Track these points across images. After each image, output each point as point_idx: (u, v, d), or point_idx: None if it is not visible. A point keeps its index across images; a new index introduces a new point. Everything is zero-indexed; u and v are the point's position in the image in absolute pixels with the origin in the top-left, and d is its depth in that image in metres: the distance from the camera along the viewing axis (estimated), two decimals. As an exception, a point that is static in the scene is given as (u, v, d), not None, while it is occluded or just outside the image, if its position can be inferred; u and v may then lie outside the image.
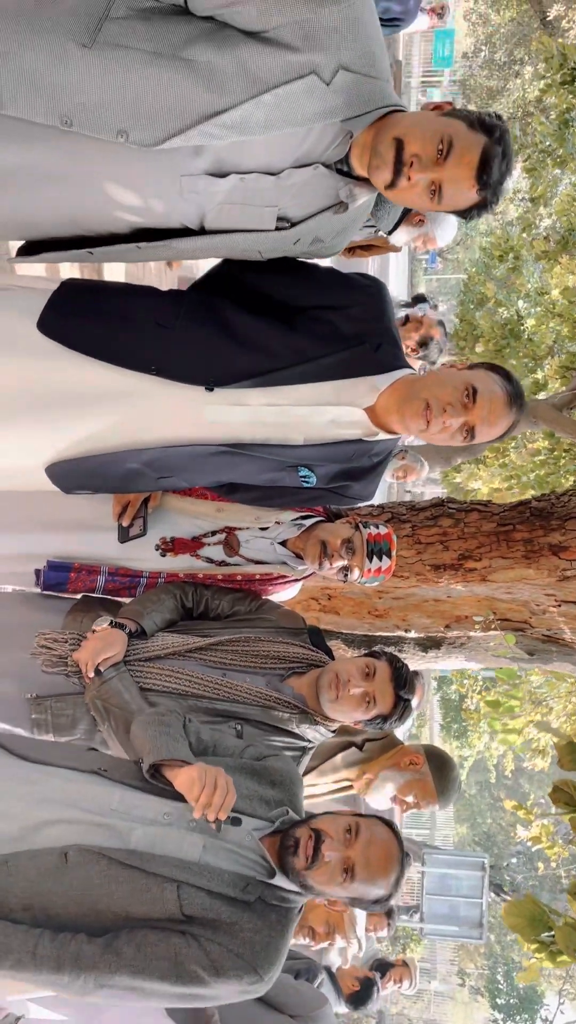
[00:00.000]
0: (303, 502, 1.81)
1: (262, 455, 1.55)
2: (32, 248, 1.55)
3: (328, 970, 3.16)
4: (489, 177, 1.33)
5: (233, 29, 1.28)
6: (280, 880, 1.44)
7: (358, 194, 1.44)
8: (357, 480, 1.66)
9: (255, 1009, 2.01)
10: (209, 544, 1.98)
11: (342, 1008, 3.26)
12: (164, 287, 1.87)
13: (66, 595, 2.01)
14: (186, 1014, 1.82)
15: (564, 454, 6.11)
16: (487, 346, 7.69)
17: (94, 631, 1.77)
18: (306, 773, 2.07)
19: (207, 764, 1.44)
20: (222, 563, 1.99)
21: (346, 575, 1.96)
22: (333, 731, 1.93)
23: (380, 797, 2.38)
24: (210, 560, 1.99)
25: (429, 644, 2.88)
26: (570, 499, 2.50)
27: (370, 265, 8.23)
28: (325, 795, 2.46)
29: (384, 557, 1.95)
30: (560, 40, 11.73)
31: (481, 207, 1.37)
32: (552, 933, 2.09)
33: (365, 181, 1.43)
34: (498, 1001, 19.70)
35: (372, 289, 1.58)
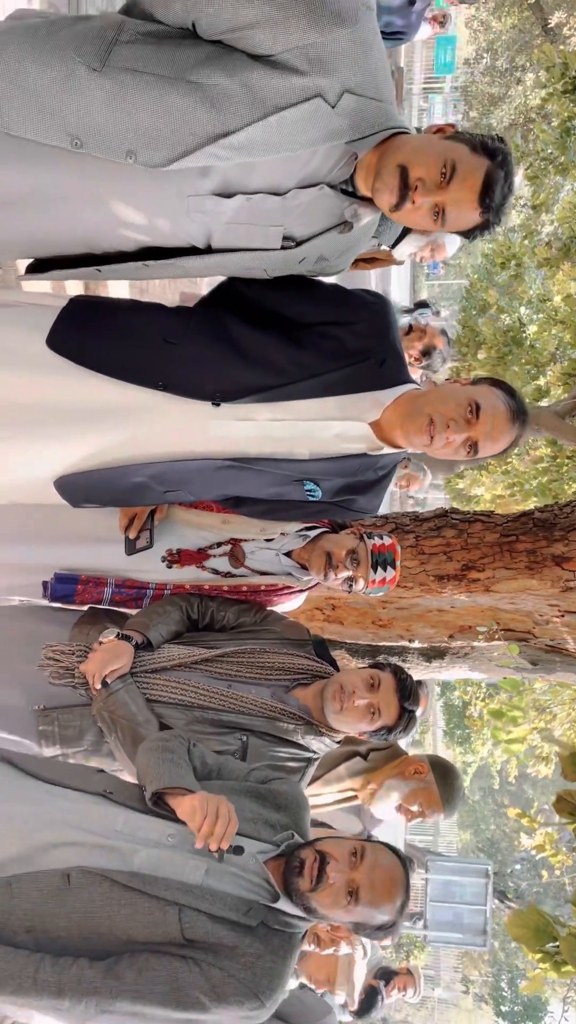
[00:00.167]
0: (308, 516, 1.83)
1: (268, 469, 1.57)
2: (40, 266, 1.57)
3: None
4: (492, 200, 1.35)
5: (240, 53, 1.30)
6: (284, 904, 1.43)
7: (363, 214, 1.46)
8: (362, 494, 1.67)
9: None
10: (215, 556, 1.99)
11: (346, 1017, 3.26)
12: (168, 300, 1.89)
13: (73, 607, 2.03)
14: None
15: (567, 461, 6.12)
16: (489, 353, 7.71)
17: (101, 643, 1.78)
18: (310, 783, 2.08)
19: (211, 790, 1.44)
20: (228, 574, 2.00)
21: (351, 586, 1.97)
22: (338, 742, 1.94)
23: (385, 806, 2.38)
24: (216, 571, 2.00)
25: (433, 654, 2.89)
26: (573, 510, 2.51)
27: (372, 272, 8.26)
28: (329, 805, 2.47)
29: (388, 568, 1.97)
30: (562, 48, 11.78)
31: (483, 228, 1.40)
32: (556, 944, 2.09)
33: (369, 201, 1.44)
34: (502, 1008, 19.61)
35: (377, 306, 1.60)
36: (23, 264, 1.64)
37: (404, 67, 16.23)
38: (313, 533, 2.01)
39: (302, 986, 2.63)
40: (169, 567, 1.99)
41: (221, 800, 1.38)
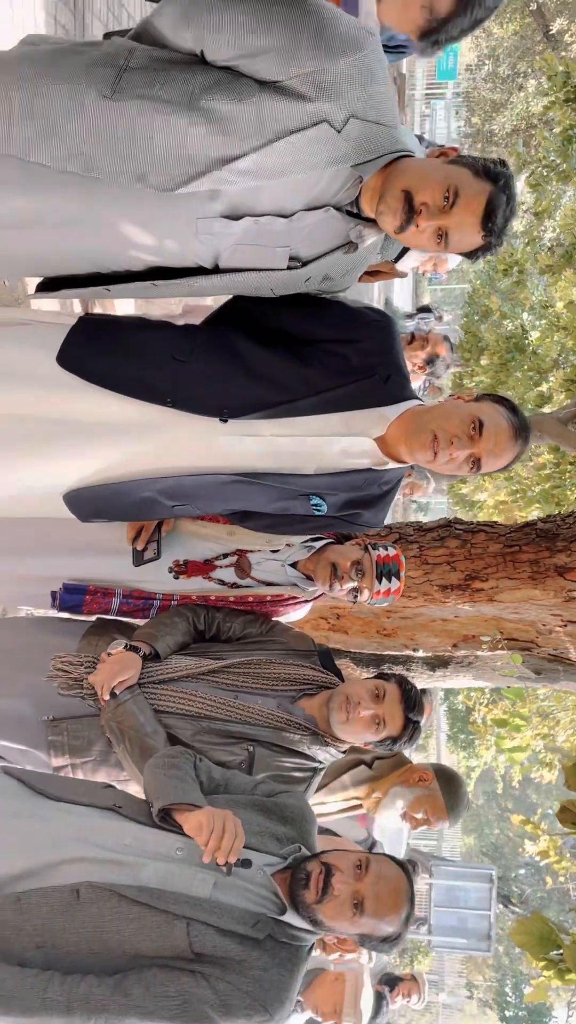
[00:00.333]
0: (314, 530, 1.85)
1: (274, 484, 1.59)
2: (50, 284, 1.60)
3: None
4: (494, 224, 1.38)
5: (248, 79, 1.33)
6: (291, 917, 1.44)
7: (367, 235, 1.48)
8: (367, 508, 1.70)
9: None
10: (221, 566, 2.02)
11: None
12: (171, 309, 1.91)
13: (81, 617, 2.05)
14: None
15: (569, 468, 6.13)
16: (492, 359, 7.73)
17: (109, 654, 1.80)
18: (316, 792, 2.10)
19: (218, 804, 1.45)
20: (234, 585, 2.02)
21: (356, 597, 1.99)
22: (343, 751, 1.96)
23: (390, 814, 2.40)
24: (222, 582, 2.02)
25: (437, 663, 2.91)
26: (576, 521, 2.54)
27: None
28: (334, 814, 2.48)
29: (393, 578, 1.99)
30: (563, 55, 11.82)
31: (486, 249, 1.42)
32: (560, 951, 2.10)
33: (374, 222, 1.47)
34: (507, 1013, 19.54)
35: (381, 323, 1.62)
36: (31, 282, 1.67)
37: (406, 73, 16.29)
38: (318, 544, 2.03)
39: (310, 1021, 2.63)
40: (176, 578, 2.01)
41: (227, 815, 1.39)
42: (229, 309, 1.66)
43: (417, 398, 1.62)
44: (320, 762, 1.91)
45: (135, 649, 1.81)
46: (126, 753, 1.75)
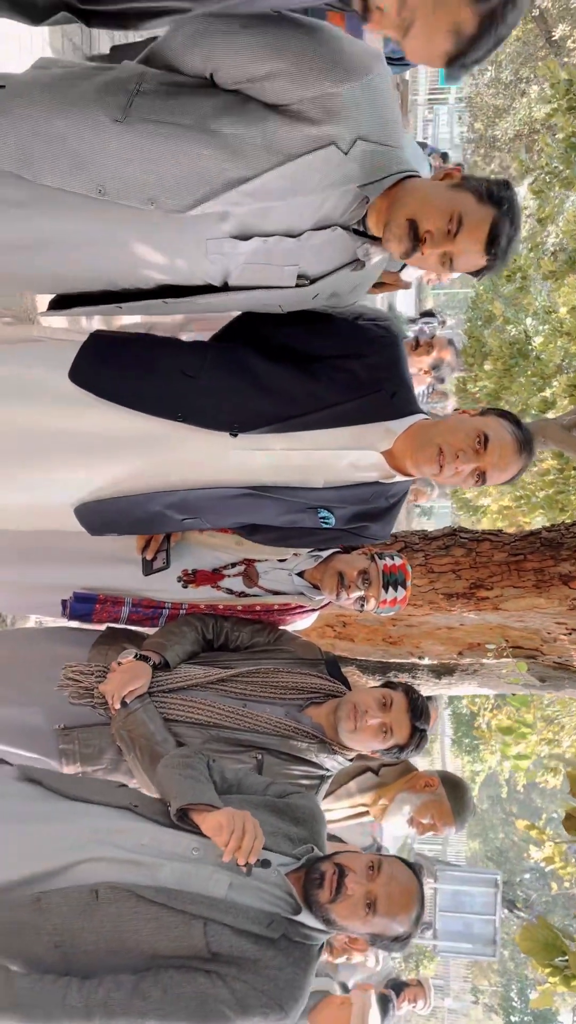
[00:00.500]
0: (321, 543, 1.87)
1: (283, 497, 1.61)
2: (63, 302, 1.63)
3: (344, 986, 3.18)
4: (497, 248, 1.41)
5: (257, 102, 1.36)
6: (305, 916, 1.47)
7: (374, 252, 1.51)
8: (374, 521, 1.72)
9: None
10: (229, 575, 2.04)
11: None
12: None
13: (91, 625, 2.08)
14: None
15: (573, 473, 6.14)
16: (495, 364, 7.74)
17: (119, 663, 1.82)
18: (323, 799, 2.11)
19: (233, 805, 1.47)
20: (242, 594, 2.05)
21: (362, 606, 2.01)
22: (350, 759, 1.98)
23: (397, 820, 2.41)
24: (230, 591, 2.04)
25: (443, 671, 2.93)
26: (581, 530, 2.56)
27: (379, 284, 8.28)
28: (341, 820, 2.50)
29: (399, 587, 2.01)
30: (566, 60, 11.85)
31: (489, 269, 1.45)
32: (566, 958, 2.12)
33: (380, 240, 1.50)
34: (512, 1019, 19.46)
35: (387, 339, 1.65)
36: (41, 300, 1.70)
37: (409, 78, 16.33)
38: (325, 553, 2.05)
39: None
40: (185, 587, 2.03)
41: (247, 815, 1.41)
42: (237, 325, 1.68)
43: (423, 412, 1.64)
44: (327, 770, 1.93)
45: (145, 659, 1.83)
46: (136, 761, 1.77)
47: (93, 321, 1.88)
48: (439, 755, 17.14)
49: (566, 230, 7.50)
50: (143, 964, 1.38)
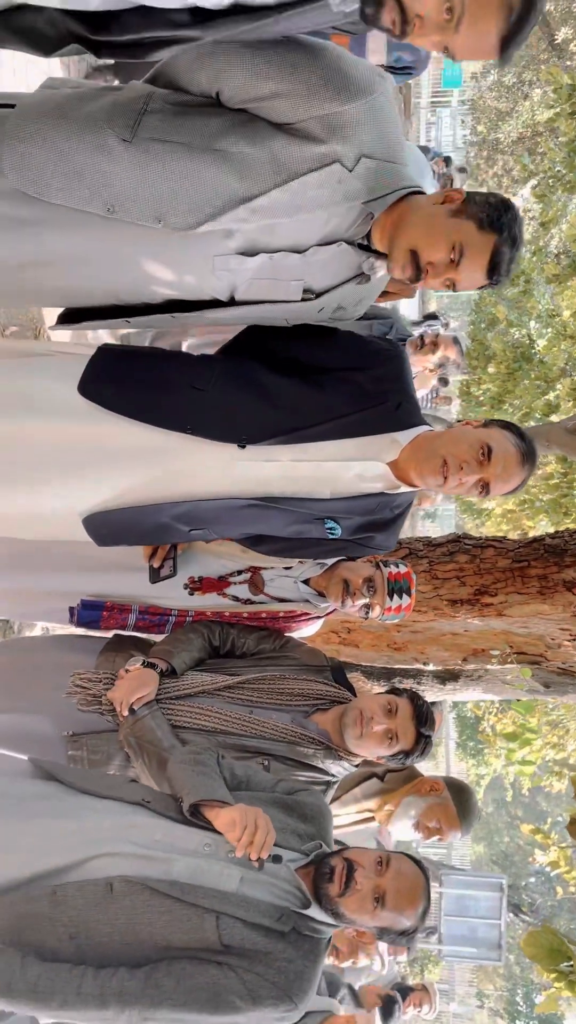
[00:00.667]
0: (326, 553, 1.89)
1: (291, 508, 1.63)
2: (72, 316, 1.65)
3: (350, 987, 3.19)
4: (499, 273, 1.44)
5: (263, 121, 1.38)
6: (314, 910, 1.50)
7: (379, 267, 1.53)
8: (379, 531, 1.74)
9: None
10: (235, 583, 2.05)
11: None
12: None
13: (98, 632, 2.10)
14: None
15: (577, 476, 6.16)
16: (499, 368, 7.75)
17: (127, 671, 1.84)
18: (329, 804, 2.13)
19: (243, 802, 1.50)
20: (248, 601, 2.06)
21: (367, 613, 2.02)
22: (356, 765, 1.99)
23: (403, 824, 2.42)
24: (236, 598, 2.06)
25: (447, 676, 2.94)
26: (584, 537, 2.57)
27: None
28: (347, 826, 2.51)
29: (404, 595, 2.02)
30: (569, 64, 11.87)
31: (492, 286, 1.48)
32: (571, 963, 2.13)
33: (385, 255, 1.52)
34: (518, 1023, 19.40)
35: (391, 352, 1.67)
36: (47, 311, 1.73)
37: (411, 81, 16.35)
38: (330, 561, 2.07)
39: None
40: (191, 594, 2.05)
41: (258, 812, 1.45)
42: (244, 339, 1.70)
43: (427, 424, 1.66)
44: (333, 775, 1.94)
45: (152, 666, 1.85)
46: (144, 767, 1.79)
47: (100, 333, 1.91)
48: (444, 759, 17.11)
49: (569, 234, 7.52)
50: (156, 955, 1.41)
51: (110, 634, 2.08)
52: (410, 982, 4.21)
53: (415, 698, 1.90)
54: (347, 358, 1.64)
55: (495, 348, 8.02)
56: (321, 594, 2.06)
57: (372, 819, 2.49)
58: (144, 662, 1.86)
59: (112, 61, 3.05)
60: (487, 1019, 20.44)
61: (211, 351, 1.81)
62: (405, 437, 1.63)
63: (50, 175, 1.38)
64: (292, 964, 1.44)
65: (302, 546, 1.78)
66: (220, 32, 1.33)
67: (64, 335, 1.91)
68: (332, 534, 1.70)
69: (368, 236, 1.50)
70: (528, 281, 7.91)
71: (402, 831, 2.43)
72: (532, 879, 18.17)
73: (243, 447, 1.57)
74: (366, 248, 1.51)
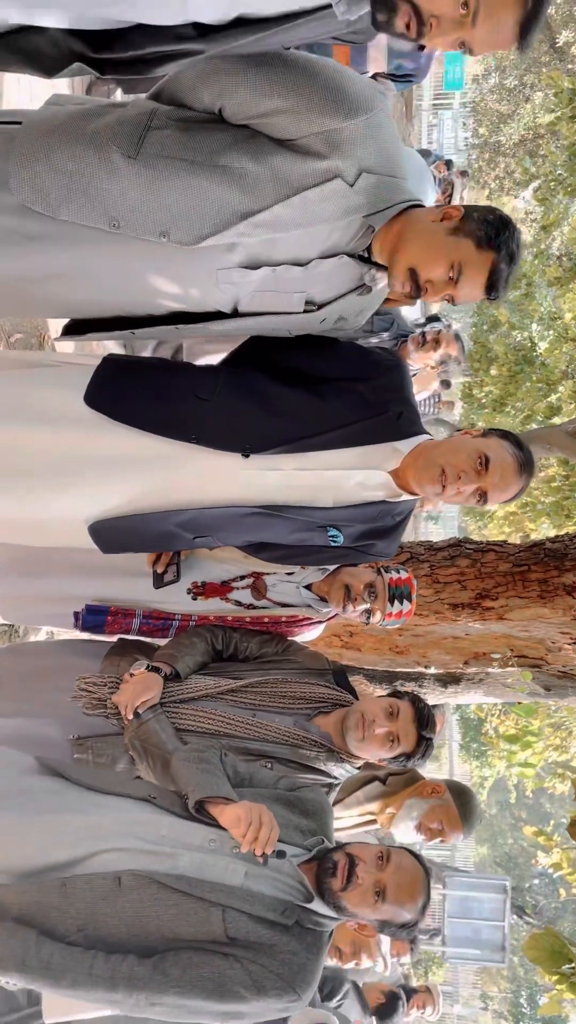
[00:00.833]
0: (328, 560, 1.91)
1: (294, 516, 1.65)
2: (77, 327, 1.68)
3: (354, 984, 3.21)
4: (496, 290, 1.47)
5: (265, 137, 1.41)
6: (317, 904, 1.53)
7: (380, 278, 1.55)
8: (381, 539, 1.76)
9: None
10: (238, 588, 2.08)
11: (368, 1020, 3.28)
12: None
13: (102, 637, 2.12)
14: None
15: (579, 479, 6.17)
16: (501, 370, 7.77)
17: (131, 675, 1.86)
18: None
19: (246, 798, 1.53)
20: (250, 606, 2.08)
21: (368, 618, 2.05)
22: (358, 767, 2.01)
23: (405, 826, 2.43)
24: (239, 603, 2.08)
25: (449, 680, 2.96)
26: (584, 541, 2.59)
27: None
28: (349, 828, 2.52)
29: (405, 601, 2.05)
30: (570, 67, 11.88)
31: (488, 301, 1.51)
32: (573, 965, 2.15)
33: (386, 267, 1.54)
34: (522, 1025, 19.35)
35: (392, 362, 1.70)
36: (55, 324, 1.75)
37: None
38: (332, 567, 2.09)
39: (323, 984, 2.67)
40: (194, 599, 2.07)
41: (263, 808, 1.48)
42: (247, 349, 1.73)
43: (427, 433, 1.69)
44: (336, 778, 1.96)
45: (156, 670, 1.87)
46: (149, 770, 1.81)
47: (104, 342, 1.93)
48: (447, 760, 17.10)
49: (570, 237, 7.55)
50: (163, 946, 1.44)
51: (114, 638, 2.11)
52: (413, 984, 4.21)
53: (416, 701, 1.92)
54: (348, 368, 1.67)
55: (497, 351, 8.04)
56: (323, 599, 2.08)
57: (374, 822, 2.50)
58: (148, 666, 1.88)
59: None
60: (491, 1021, 20.39)
61: (210, 347, 1.83)
62: (406, 446, 1.65)
63: (56, 192, 1.40)
64: (296, 956, 1.48)
65: (304, 553, 1.80)
66: (223, 45, 1.35)
67: (68, 343, 1.93)
68: (335, 542, 1.72)
69: (369, 248, 1.53)
70: (530, 284, 7.93)
71: (404, 833, 2.44)
72: (536, 881, 18.13)
73: (247, 456, 1.59)
74: (367, 260, 1.54)
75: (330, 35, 1.46)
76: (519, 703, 2.93)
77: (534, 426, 7.14)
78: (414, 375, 3.86)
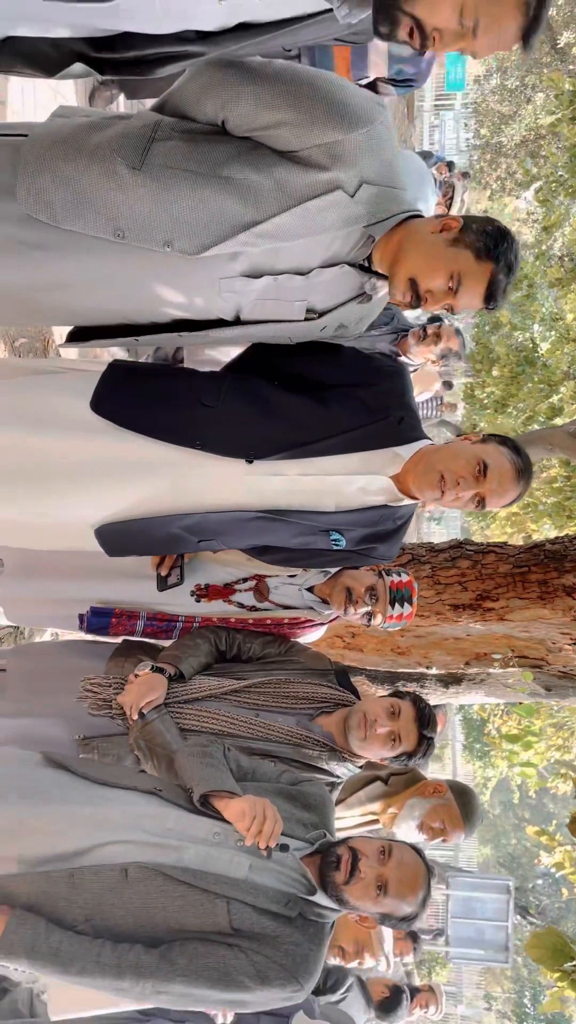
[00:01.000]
0: (329, 563, 1.94)
1: (297, 520, 1.68)
2: (81, 334, 1.70)
3: (358, 978, 3.23)
4: (495, 300, 1.49)
5: (267, 149, 1.43)
6: (319, 897, 1.56)
7: (380, 286, 1.58)
8: (382, 542, 1.78)
9: None
10: (241, 590, 2.10)
11: (371, 1014, 3.30)
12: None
13: (107, 638, 2.14)
14: None
15: (581, 480, 6.18)
16: (503, 371, 7.79)
17: (136, 676, 1.88)
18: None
19: (246, 791, 1.55)
20: (253, 608, 2.10)
21: (370, 620, 2.07)
22: (360, 767, 2.04)
23: (407, 825, 2.45)
24: (242, 605, 2.10)
25: (450, 680, 2.98)
26: (584, 542, 2.61)
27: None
28: (351, 828, 2.54)
29: (406, 603, 2.07)
30: (572, 67, 11.88)
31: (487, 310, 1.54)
32: (574, 963, 2.16)
33: (386, 276, 1.57)
34: (526, 1025, 19.32)
35: (393, 369, 1.72)
36: (59, 331, 1.78)
37: (415, 86, 16.34)
38: (334, 569, 2.12)
39: (327, 976, 2.69)
40: (198, 601, 2.09)
41: (266, 802, 1.51)
42: (249, 356, 1.75)
43: (428, 438, 1.71)
44: (338, 777, 1.98)
45: (161, 670, 1.89)
46: (154, 769, 1.83)
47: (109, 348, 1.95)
48: (450, 761, 17.09)
49: (572, 238, 7.56)
50: (169, 936, 1.47)
51: (119, 640, 2.13)
52: (417, 983, 4.22)
53: (418, 701, 1.95)
54: (350, 374, 1.69)
55: (499, 352, 8.05)
56: (325, 601, 2.10)
57: (376, 822, 2.52)
58: (153, 667, 1.90)
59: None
60: (495, 1021, 20.37)
61: (210, 347, 1.85)
62: (407, 451, 1.67)
63: (62, 203, 1.43)
64: (299, 947, 1.50)
65: (307, 556, 1.82)
66: (224, 47, 1.38)
67: (72, 349, 1.96)
68: (337, 545, 1.74)
69: (369, 258, 1.55)
70: (531, 285, 7.94)
71: (406, 833, 2.46)
72: (539, 881, 18.11)
73: (251, 462, 1.62)
74: (367, 269, 1.56)
75: (332, 36, 1.49)
76: (520, 703, 2.94)
77: (536, 427, 7.16)
78: (414, 371, 3.88)
